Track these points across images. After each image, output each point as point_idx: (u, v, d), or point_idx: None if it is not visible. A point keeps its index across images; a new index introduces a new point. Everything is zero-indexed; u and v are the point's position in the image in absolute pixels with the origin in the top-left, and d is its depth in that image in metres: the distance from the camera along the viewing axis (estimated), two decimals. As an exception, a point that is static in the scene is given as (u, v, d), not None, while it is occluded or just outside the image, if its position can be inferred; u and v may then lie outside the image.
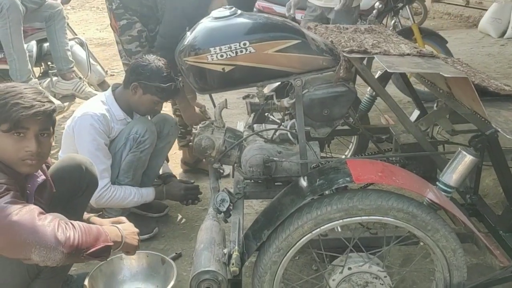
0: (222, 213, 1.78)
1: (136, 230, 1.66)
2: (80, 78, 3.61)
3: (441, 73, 1.45)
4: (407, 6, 4.33)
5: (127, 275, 2.00)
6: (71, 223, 1.39)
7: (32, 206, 1.37)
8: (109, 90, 2.34)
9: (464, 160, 1.54)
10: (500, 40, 6.52)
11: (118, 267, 1.99)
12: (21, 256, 1.33)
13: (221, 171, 2.66)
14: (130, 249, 1.60)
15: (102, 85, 3.95)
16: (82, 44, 3.81)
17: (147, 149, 2.21)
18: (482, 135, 1.54)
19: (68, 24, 3.69)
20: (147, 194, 2.29)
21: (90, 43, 5.93)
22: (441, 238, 1.47)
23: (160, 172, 2.63)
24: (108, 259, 1.90)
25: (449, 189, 1.59)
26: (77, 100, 3.81)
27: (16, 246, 1.31)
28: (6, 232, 1.30)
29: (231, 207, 1.79)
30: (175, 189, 2.40)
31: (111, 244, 1.47)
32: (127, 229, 1.60)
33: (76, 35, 4.01)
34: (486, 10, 7.00)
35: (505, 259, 1.52)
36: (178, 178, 2.62)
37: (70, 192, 1.77)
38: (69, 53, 3.46)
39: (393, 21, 4.44)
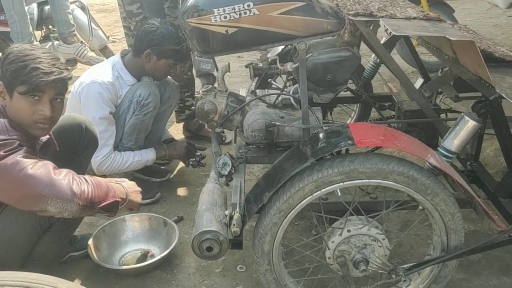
0: (224, 177, 1.80)
1: (139, 188, 1.69)
2: (81, 42, 3.57)
3: (447, 36, 1.43)
4: (414, -27, 4.23)
5: (129, 236, 2.04)
6: (83, 177, 1.44)
7: (46, 161, 1.42)
8: (118, 56, 2.34)
9: (467, 125, 1.53)
10: (508, 11, 6.39)
11: (121, 228, 2.04)
12: (37, 208, 1.38)
13: (223, 138, 2.68)
14: (133, 206, 1.64)
15: (103, 51, 3.92)
16: (83, 8, 3.75)
17: (150, 112, 2.21)
18: (485, 100, 1.54)
19: (69, -13, 3.63)
20: (147, 154, 2.30)
21: (91, 9, 5.84)
22: (440, 202, 1.48)
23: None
24: (111, 221, 1.96)
25: (450, 155, 1.59)
26: (78, 65, 3.79)
27: (32, 198, 1.36)
28: (22, 185, 1.35)
29: (232, 171, 1.81)
30: (177, 145, 2.41)
31: (119, 199, 1.51)
32: (130, 187, 1.63)
33: (78, -2, 3.94)
34: (495, -21, 6.84)
35: (503, 224, 1.54)
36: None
37: (72, 150, 1.80)
38: (70, 16, 3.42)
39: (400, -11, 4.36)
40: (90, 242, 1.89)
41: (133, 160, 2.25)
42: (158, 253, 1.97)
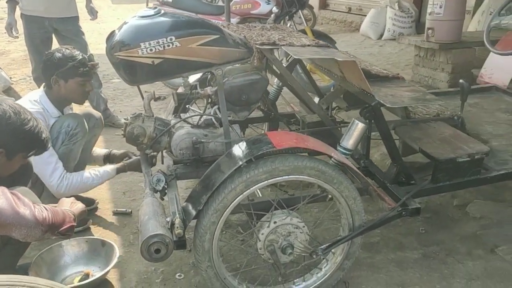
0: (159, 192, 1.99)
1: (73, 198, 1.85)
2: (-16, 84, 3.51)
3: (335, 58, 1.83)
4: (300, 11, 4.86)
5: (68, 260, 2.11)
6: (42, 205, 1.55)
7: (5, 190, 1.51)
8: (41, 90, 2.40)
9: (357, 127, 1.92)
10: (379, 41, 7.44)
11: (58, 254, 2.10)
12: (2, 234, 1.48)
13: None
14: (82, 216, 1.76)
15: (8, 91, 3.86)
16: (-17, 50, 3.68)
17: (79, 141, 2.33)
18: (369, 107, 1.95)
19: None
20: (107, 174, 2.40)
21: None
22: (344, 189, 1.83)
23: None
24: (47, 248, 2.03)
25: (347, 152, 1.97)
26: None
27: None
28: None
29: (166, 186, 2.00)
30: (136, 162, 2.41)
31: (75, 223, 1.64)
32: (71, 206, 1.76)
33: (-24, 41, 3.86)
34: (366, 15, 7.92)
35: (392, 202, 1.94)
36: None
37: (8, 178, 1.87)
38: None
39: (288, 25, 4.93)
40: (30, 270, 1.93)
41: (93, 182, 2.34)
42: (99, 273, 2.06)
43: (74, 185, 2.27)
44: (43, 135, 1.76)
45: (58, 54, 2.31)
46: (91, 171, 2.37)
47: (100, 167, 2.44)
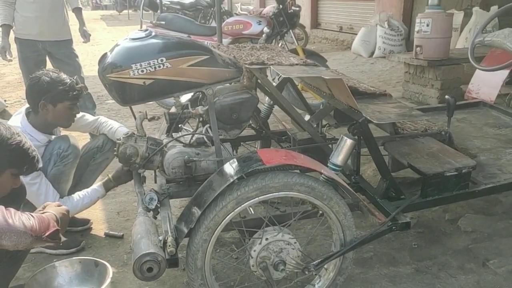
0: (151, 211, 2.01)
1: (58, 202, 1.85)
2: (-20, 107, 3.53)
3: (322, 76, 1.87)
4: (291, 31, 4.95)
5: (61, 282, 2.10)
6: (28, 213, 1.57)
7: None
8: (23, 118, 2.35)
9: (346, 143, 1.96)
10: (370, 59, 7.56)
11: (52, 275, 2.10)
12: None
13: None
14: (66, 222, 1.76)
15: (2, 114, 3.89)
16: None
17: (70, 163, 2.34)
18: (356, 123, 1.99)
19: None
20: (96, 192, 2.39)
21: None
22: (334, 205, 1.86)
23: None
24: (41, 269, 2.04)
25: (337, 168, 2.00)
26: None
27: None
28: None
29: (159, 205, 2.02)
30: (119, 170, 2.40)
31: (59, 228, 1.65)
32: (51, 210, 1.76)
33: (-29, 64, 3.90)
34: (357, 34, 8.06)
35: (383, 217, 1.96)
36: None
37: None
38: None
39: (280, 44, 5.02)
40: (23, 291, 1.93)
41: (83, 203, 2.35)
42: (92, 294, 2.06)
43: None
44: (33, 153, 1.77)
45: (46, 78, 2.28)
46: (79, 193, 2.38)
47: (90, 187, 2.45)
